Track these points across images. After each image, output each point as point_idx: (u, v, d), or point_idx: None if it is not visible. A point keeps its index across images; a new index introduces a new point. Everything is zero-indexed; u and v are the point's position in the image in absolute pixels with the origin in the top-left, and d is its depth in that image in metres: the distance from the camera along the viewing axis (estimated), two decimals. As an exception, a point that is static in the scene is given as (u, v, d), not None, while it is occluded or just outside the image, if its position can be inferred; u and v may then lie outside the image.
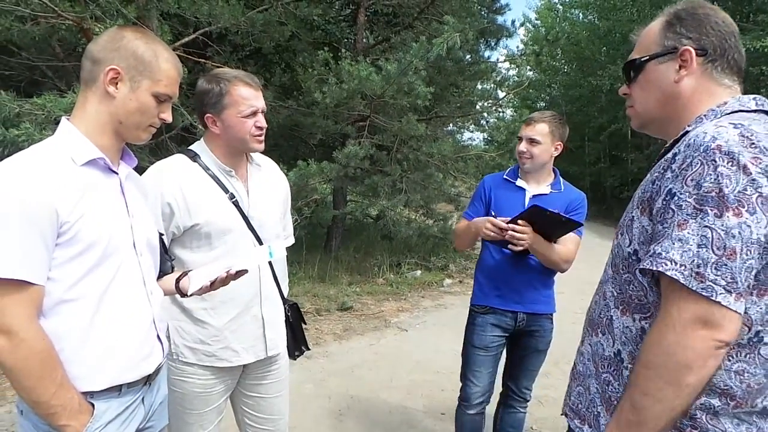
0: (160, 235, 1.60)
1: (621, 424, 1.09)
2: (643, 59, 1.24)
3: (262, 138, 1.91)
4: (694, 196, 0.98)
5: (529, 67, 9.68)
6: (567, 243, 2.44)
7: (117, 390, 1.35)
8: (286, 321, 2.11)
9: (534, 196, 2.51)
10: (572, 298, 5.07)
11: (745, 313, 1.00)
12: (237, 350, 1.94)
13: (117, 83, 1.31)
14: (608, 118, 19.63)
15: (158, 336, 1.47)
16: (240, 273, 1.60)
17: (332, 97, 6.44)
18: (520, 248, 2.32)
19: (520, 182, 2.55)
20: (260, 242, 1.93)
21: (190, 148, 1.97)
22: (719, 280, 0.95)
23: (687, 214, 0.99)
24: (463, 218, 2.67)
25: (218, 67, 7.13)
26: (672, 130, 1.20)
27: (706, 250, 0.96)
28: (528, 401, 2.68)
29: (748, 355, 1.03)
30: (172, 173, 1.85)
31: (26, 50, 5.84)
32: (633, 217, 1.15)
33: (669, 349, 0.99)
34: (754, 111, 1.12)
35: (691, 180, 1.00)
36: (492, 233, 2.32)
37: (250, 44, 7.48)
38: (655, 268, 1.01)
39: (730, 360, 1.02)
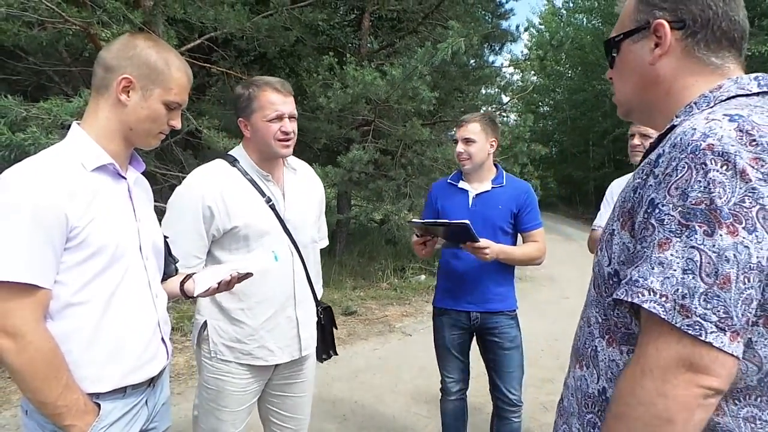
0: (165, 238, 1.61)
1: None
2: (616, 38, 1.04)
3: (288, 143, 1.95)
4: (679, 209, 0.79)
5: (533, 72, 9.66)
6: (533, 238, 2.60)
7: (122, 391, 1.37)
8: (318, 323, 2.16)
9: (477, 194, 2.58)
10: (578, 304, 5.06)
11: (752, 349, 0.81)
12: (272, 349, 2.00)
13: (129, 91, 1.34)
14: (613, 123, 19.62)
15: (163, 339, 1.49)
16: (245, 276, 1.63)
17: (337, 101, 6.46)
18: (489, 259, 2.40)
19: (462, 184, 2.63)
20: (295, 245, 2.00)
21: (229, 153, 2.04)
22: (709, 315, 0.75)
23: (670, 231, 0.79)
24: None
25: (223, 72, 7.18)
26: (659, 121, 1.02)
27: (694, 278, 0.76)
28: (519, 407, 2.61)
29: (758, 399, 0.83)
30: (213, 178, 1.93)
31: (33, 55, 5.88)
32: (613, 230, 0.94)
33: (646, 398, 0.79)
34: (757, 94, 0.91)
35: (676, 188, 0.80)
36: (419, 247, 2.52)
37: (255, 49, 7.52)
38: (629, 300, 0.81)
39: (736, 405, 0.83)
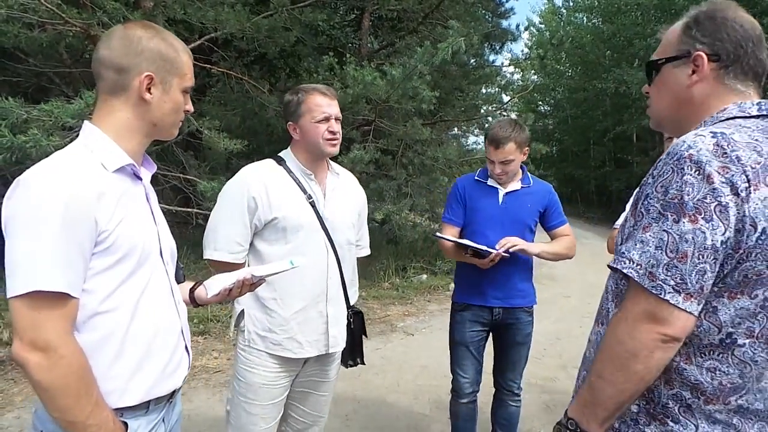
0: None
1: (580, 403, 1.17)
2: (659, 62, 1.24)
3: (336, 142, 2.08)
4: (661, 202, 1.04)
5: (533, 71, 9.67)
6: (563, 233, 2.73)
7: (145, 407, 1.30)
8: (347, 326, 2.23)
9: (507, 193, 2.64)
10: (579, 303, 5.06)
11: (714, 314, 1.05)
12: (301, 342, 2.07)
13: (150, 88, 1.28)
14: (613, 122, 19.61)
15: (186, 347, 1.43)
16: (259, 281, 1.66)
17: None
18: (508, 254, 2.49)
19: (491, 182, 2.67)
20: (331, 242, 2.09)
21: (279, 154, 2.17)
22: (669, 280, 1.01)
23: (652, 218, 1.05)
24: (443, 223, 2.75)
25: (223, 72, 7.19)
26: (686, 133, 1.20)
27: (661, 252, 1.02)
28: (518, 395, 2.75)
29: (720, 355, 1.06)
30: (259, 173, 2.07)
31: (34, 57, 5.89)
32: (628, 216, 1.19)
33: (621, 337, 1.07)
34: (756, 117, 1.11)
35: (661, 186, 1.05)
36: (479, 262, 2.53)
37: (255, 49, 7.53)
38: (615, 266, 1.09)
39: (702, 357, 1.07)
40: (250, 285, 1.63)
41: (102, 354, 1.20)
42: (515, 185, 2.64)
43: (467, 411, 2.76)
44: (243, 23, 6.09)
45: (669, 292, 1.00)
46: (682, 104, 1.21)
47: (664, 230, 1.02)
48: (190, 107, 1.39)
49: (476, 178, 2.72)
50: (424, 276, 8.21)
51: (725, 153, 1.00)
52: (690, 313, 1.01)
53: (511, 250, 2.48)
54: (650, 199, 1.07)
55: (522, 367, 2.74)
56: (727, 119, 1.12)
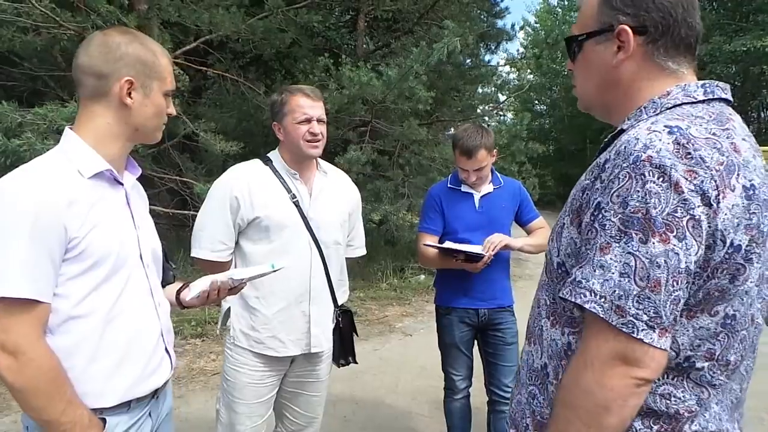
0: (162, 244, 1.60)
1: None
2: (579, 38, 1.06)
3: (317, 144, 2.08)
4: (620, 216, 0.86)
5: (529, 71, 9.71)
6: (539, 225, 2.76)
7: (126, 406, 1.33)
8: (336, 326, 2.22)
9: (482, 197, 2.66)
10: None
11: (672, 337, 0.89)
12: (284, 341, 2.08)
13: (131, 93, 1.30)
14: (609, 120, 19.64)
15: (166, 349, 1.45)
16: (240, 284, 1.65)
17: (333, 103, 6.45)
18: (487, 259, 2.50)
19: (465, 188, 2.68)
20: (316, 241, 2.09)
21: (267, 155, 2.18)
22: (641, 315, 0.84)
23: (610, 237, 0.87)
24: (421, 233, 2.75)
25: (219, 74, 7.18)
26: (616, 119, 1.07)
27: (629, 281, 0.84)
28: None
29: (675, 378, 0.93)
30: (243, 172, 2.10)
31: (28, 60, 5.88)
32: (563, 224, 1.01)
33: (587, 388, 0.88)
34: (702, 101, 0.96)
35: (617, 196, 0.87)
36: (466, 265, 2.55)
37: (250, 51, 7.52)
38: (573, 300, 0.90)
39: (655, 382, 0.91)
40: (230, 288, 1.63)
41: (77, 356, 1.23)
42: (488, 188, 2.68)
43: (462, 407, 2.78)
44: (238, 25, 6.09)
45: (642, 330, 0.84)
46: (609, 86, 1.05)
47: (629, 252, 0.84)
48: (172, 110, 1.41)
49: (449, 185, 2.74)
50: (422, 276, 8.20)
51: (689, 153, 0.84)
52: (665, 350, 0.86)
53: (498, 248, 2.49)
54: (604, 211, 0.88)
55: (514, 370, 2.71)
56: (674, 107, 0.96)
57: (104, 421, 1.27)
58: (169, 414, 1.56)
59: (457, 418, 2.79)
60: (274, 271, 1.68)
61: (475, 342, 2.77)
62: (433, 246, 2.57)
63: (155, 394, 1.44)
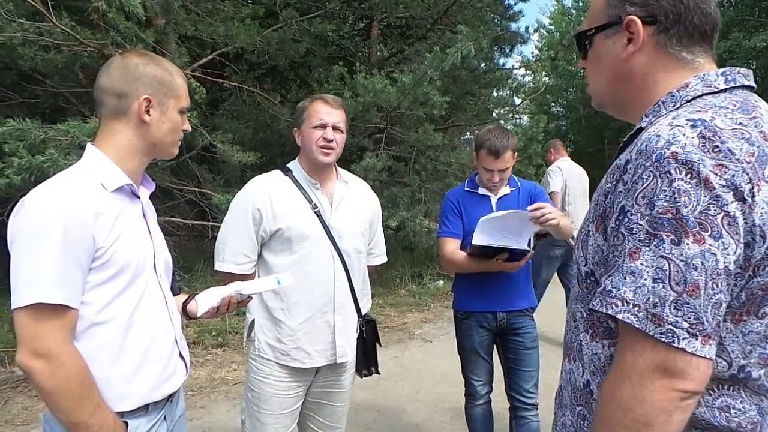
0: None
1: None
2: (588, 32, 1.03)
3: (329, 151, 2.07)
4: (647, 218, 0.80)
5: (544, 73, 9.65)
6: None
7: (144, 409, 1.39)
8: (359, 336, 2.20)
9: (499, 198, 2.68)
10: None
11: (721, 345, 0.83)
12: (309, 352, 2.07)
13: (149, 110, 1.38)
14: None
15: (181, 354, 1.52)
16: (247, 299, 1.70)
17: (348, 110, 6.48)
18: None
19: (482, 190, 2.70)
20: (338, 251, 2.08)
21: (286, 165, 2.19)
22: (681, 322, 0.78)
23: (639, 241, 0.81)
24: (442, 237, 2.71)
25: (235, 86, 7.26)
26: (633, 115, 1.02)
27: (663, 286, 0.78)
28: (536, 407, 2.69)
29: (732, 388, 0.86)
30: (264, 184, 2.10)
31: (50, 78, 6.00)
32: (588, 232, 0.96)
33: (625, 403, 0.82)
34: (724, 90, 0.91)
35: (643, 197, 0.81)
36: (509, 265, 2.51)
37: (266, 62, 7.59)
38: (605, 311, 0.84)
39: (711, 395, 0.86)
40: (238, 302, 1.68)
41: (99, 361, 1.29)
42: (505, 190, 2.70)
43: (483, 412, 2.76)
44: (253, 37, 6.16)
45: (684, 338, 0.78)
46: (622, 81, 1.00)
47: (661, 256, 0.79)
48: (187, 126, 1.49)
49: (467, 188, 2.75)
50: (441, 282, 8.17)
51: (716, 147, 0.79)
52: (710, 359, 0.79)
53: (550, 223, 2.29)
54: (630, 215, 0.83)
55: (536, 376, 2.69)
56: (694, 98, 0.91)
57: (126, 424, 1.33)
58: (182, 416, 1.63)
59: (479, 424, 2.78)
60: (280, 286, 1.72)
61: (495, 347, 2.74)
62: (478, 247, 2.43)
63: (170, 397, 1.50)
